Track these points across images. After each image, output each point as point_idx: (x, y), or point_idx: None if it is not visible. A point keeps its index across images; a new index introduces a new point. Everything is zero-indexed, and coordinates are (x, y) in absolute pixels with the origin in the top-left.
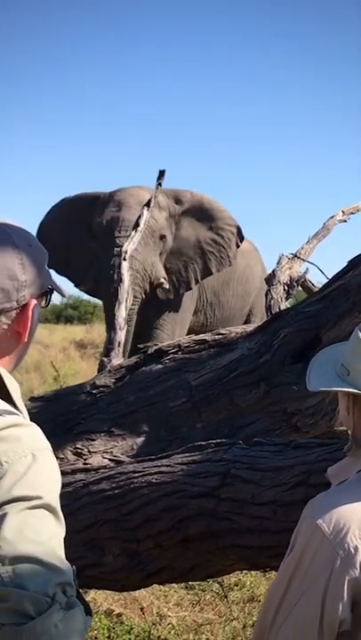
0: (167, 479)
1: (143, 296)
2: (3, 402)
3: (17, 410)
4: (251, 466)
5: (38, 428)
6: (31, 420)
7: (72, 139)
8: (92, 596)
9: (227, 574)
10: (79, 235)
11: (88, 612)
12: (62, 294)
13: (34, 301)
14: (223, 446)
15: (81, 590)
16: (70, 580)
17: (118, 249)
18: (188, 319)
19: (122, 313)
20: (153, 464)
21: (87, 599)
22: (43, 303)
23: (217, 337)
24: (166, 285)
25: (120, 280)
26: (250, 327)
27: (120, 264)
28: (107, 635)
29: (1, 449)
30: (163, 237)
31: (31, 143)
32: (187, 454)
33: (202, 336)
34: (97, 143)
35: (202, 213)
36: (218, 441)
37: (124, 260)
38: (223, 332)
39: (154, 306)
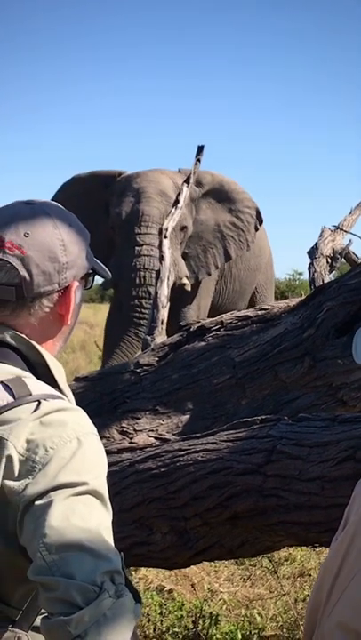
0: (213, 456)
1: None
2: (48, 386)
3: (62, 394)
4: (297, 442)
5: (83, 411)
6: (76, 400)
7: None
8: (143, 573)
9: (276, 550)
10: (95, 215)
11: (138, 599)
12: (106, 276)
13: (76, 283)
14: (269, 422)
15: (132, 568)
16: (119, 567)
17: (139, 248)
18: (212, 289)
19: (164, 291)
20: (198, 441)
21: (138, 576)
22: (85, 285)
23: (260, 312)
24: (188, 287)
25: (162, 258)
26: (293, 301)
27: (161, 242)
28: (159, 611)
29: (46, 434)
30: (183, 228)
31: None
32: (232, 431)
33: (244, 312)
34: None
35: (221, 196)
36: (263, 417)
37: (165, 237)
38: (266, 307)
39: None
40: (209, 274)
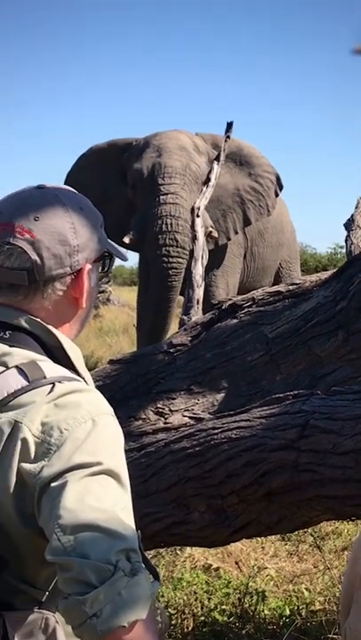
0: (247, 434)
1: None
2: (63, 369)
3: (79, 376)
4: (330, 415)
5: (99, 393)
6: (111, 382)
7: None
8: (188, 551)
9: (314, 525)
10: (113, 185)
11: (156, 577)
12: (122, 258)
13: (88, 266)
14: (301, 397)
15: (177, 548)
16: (134, 545)
17: (164, 197)
18: (239, 265)
19: (199, 270)
20: (232, 419)
21: (185, 556)
22: (102, 268)
23: (291, 287)
24: (215, 233)
25: (195, 237)
26: (324, 275)
27: (193, 221)
28: (205, 589)
29: (60, 416)
30: (207, 182)
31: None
32: (265, 407)
33: (276, 287)
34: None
35: (240, 160)
36: (296, 392)
37: (197, 216)
38: (297, 281)
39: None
40: (228, 239)
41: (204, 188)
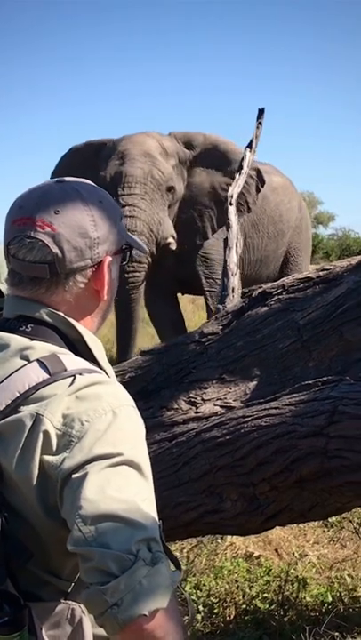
0: (276, 421)
1: (150, 260)
2: (84, 361)
3: (100, 369)
4: (358, 401)
5: (120, 385)
6: (143, 373)
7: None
8: (229, 540)
9: (347, 511)
10: None
11: (178, 566)
12: (142, 250)
13: (109, 258)
14: (330, 384)
15: (216, 536)
16: (155, 535)
17: (121, 209)
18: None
19: (233, 258)
20: (261, 407)
21: (225, 544)
22: (122, 261)
23: (321, 273)
24: (173, 246)
25: (228, 225)
26: (355, 260)
27: (227, 209)
28: (246, 577)
29: (81, 408)
30: (171, 189)
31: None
32: (294, 395)
33: (306, 274)
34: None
35: (216, 157)
36: (324, 379)
37: (231, 204)
38: (328, 267)
39: (198, 260)
40: (206, 238)
41: (237, 176)
